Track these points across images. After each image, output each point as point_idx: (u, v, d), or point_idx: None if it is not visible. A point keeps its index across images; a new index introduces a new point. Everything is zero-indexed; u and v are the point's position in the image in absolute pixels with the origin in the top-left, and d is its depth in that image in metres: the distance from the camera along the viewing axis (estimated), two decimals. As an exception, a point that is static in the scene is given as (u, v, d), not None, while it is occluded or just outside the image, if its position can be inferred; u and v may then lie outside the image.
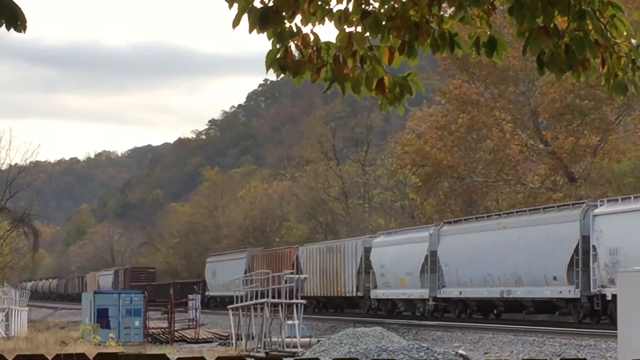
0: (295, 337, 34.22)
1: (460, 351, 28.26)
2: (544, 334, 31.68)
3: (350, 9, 6.84)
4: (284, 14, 6.76)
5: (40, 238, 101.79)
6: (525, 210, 40.37)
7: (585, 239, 34.55)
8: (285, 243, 79.74)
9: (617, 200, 35.10)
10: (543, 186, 53.77)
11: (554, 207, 38.70)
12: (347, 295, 52.41)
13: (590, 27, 6.79)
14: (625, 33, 6.96)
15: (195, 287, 69.04)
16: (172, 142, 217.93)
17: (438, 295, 43.63)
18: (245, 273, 64.49)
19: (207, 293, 74.88)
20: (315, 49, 6.96)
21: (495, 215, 42.55)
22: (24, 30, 6.67)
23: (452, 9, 6.91)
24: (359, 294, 50.88)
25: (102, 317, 43.09)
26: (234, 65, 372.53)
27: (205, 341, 42.72)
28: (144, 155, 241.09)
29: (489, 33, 7.06)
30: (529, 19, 6.71)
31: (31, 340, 41.51)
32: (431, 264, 43.92)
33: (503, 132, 53.88)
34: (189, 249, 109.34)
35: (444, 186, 57.22)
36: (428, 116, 59.47)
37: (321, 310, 56.53)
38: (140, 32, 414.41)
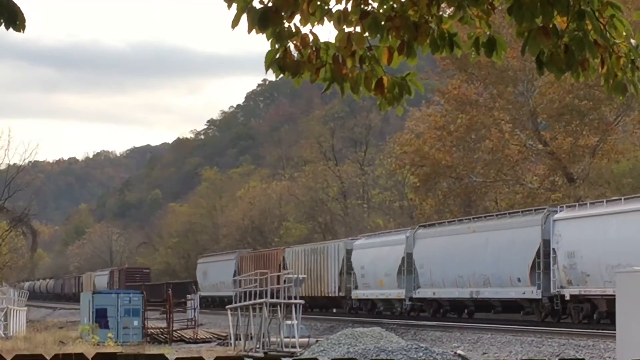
0: (293, 337, 34.24)
1: (459, 351, 28.27)
2: (543, 334, 31.70)
3: (349, 9, 6.83)
4: (283, 14, 6.76)
5: (39, 238, 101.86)
6: (493, 215, 42.81)
7: (546, 243, 36.52)
8: (285, 243, 79.86)
9: (575, 206, 37.25)
10: (542, 186, 53.79)
11: (518, 212, 40.83)
12: (330, 295, 54.40)
13: (590, 27, 6.78)
14: (624, 33, 6.96)
15: (193, 286, 69.49)
16: (170, 142, 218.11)
17: (414, 296, 45.69)
18: (234, 274, 67.36)
19: (198, 293, 75.23)
20: (314, 49, 6.95)
21: (466, 219, 44.64)
22: (23, 30, 6.66)
23: (451, 9, 6.90)
24: (341, 294, 52.96)
25: (100, 317, 43.09)
26: (233, 65, 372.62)
27: (204, 341, 42.72)
28: (142, 155, 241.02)
29: (488, 33, 7.05)
30: (528, 19, 6.70)
31: (30, 340, 41.49)
32: (407, 266, 45.96)
33: (502, 132, 53.89)
34: (187, 249, 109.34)
35: (443, 186, 57.24)
36: (427, 116, 59.47)
37: (306, 310, 57.28)
38: (140, 32, 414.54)
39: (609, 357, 25.75)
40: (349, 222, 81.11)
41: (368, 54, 7.04)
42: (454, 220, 45.91)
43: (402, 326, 40.73)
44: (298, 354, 31.06)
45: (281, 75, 7.07)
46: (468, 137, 54.85)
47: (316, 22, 6.85)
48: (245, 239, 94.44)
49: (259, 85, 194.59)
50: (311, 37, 6.92)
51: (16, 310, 51.94)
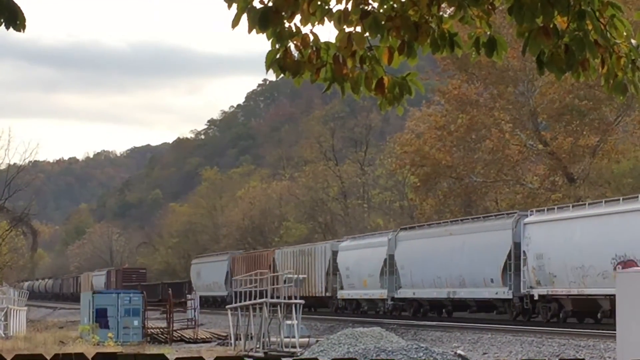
0: (294, 337, 34.23)
1: (459, 351, 28.26)
2: (543, 334, 31.70)
3: (350, 9, 6.83)
4: (283, 14, 6.75)
5: (39, 238, 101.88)
6: (469, 219, 44.52)
7: (517, 245, 38.33)
8: (285, 243, 79.94)
9: (543, 210, 38.67)
10: (542, 186, 53.77)
11: (492, 216, 42.96)
12: (317, 295, 55.93)
13: (590, 27, 6.78)
14: (625, 33, 6.95)
15: (187, 287, 70.20)
16: (171, 142, 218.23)
17: (395, 296, 47.44)
18: (227, 274, 70.63)
19: (197, 293, 75.77)
20: (314, 49, 6.95)
21: (444, 222, 46.48)
22: (24, 30, 6.65)
23: (452, 9, 6.90)
24: (327, 294, 54.81)
25: (100, 317, 43.08)
26: (233, 65, 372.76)
27: (204, 341, 42.72)
28: (142, 155, 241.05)
29: (488, 33, 7.05)
30: (528, 19, 6.70)
31: (30, 340, 41.49)
32: (389, 267, 47.70)
33: (502, 132, 53.87)
34: (187, 249, 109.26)
35: (443, 186, 57.22)
36: (427, 116, 59.40)
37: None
38: (140, 32, 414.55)
39: (609, 357, 25.74)
40: (349, 222, 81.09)
41: (368, 54, 7.03)
42: (433, 224, 47.81)
43: (403, 326, 40.75)
44: (298, 354, 31.05)
45: (281, 75, 7.07)
46: (468, 137, 54.83)
47: (316, 22, 6.85)
48: (246, 239, 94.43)
49: (259, 85, 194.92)
50: (311, 37, 6.91)
51: (16, 310, 51.94)
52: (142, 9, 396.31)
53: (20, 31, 6.63)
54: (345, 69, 7.01)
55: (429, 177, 55.99)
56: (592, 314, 35.18)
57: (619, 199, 35.47)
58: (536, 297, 37.14)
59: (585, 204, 37.03)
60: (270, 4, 6.71)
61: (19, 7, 6.59)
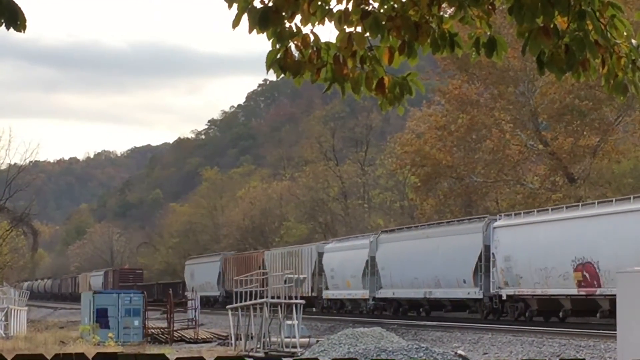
0: (294, 337, 34.22)
1: (460, 351, 28.26)
2: (543, 335, 31.70)
3: (350, 9, 6.83)
4: (283, 14, 6.76)
5: (40, 238, 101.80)
6: (444, 222, 46.74)
7: (487, 248, 40.29)
8: (285, 243, 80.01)
9: (511, 215, 40.73)
10: (542, 187, 53.77)
11: (465, 219, 44.70)
12: (304, 295, 56.37)
13: (590, 27, 6.78)
14: (625, 33, 6.95)
15: (180, 287, 71.00)
16: (171, 142, 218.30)
17: (376, 296, 49.56)
18: (219, 275, 73.10)
19: (186, 293, 76.31)
20: (315, 49, 6.95)
21: (421, 226, 48.64)
22: (24, 30, 6.65)
23: (452, 9, 6.90)
24: (313, 294, 56.30)
25: (101, 317, 43.09)
26: (234, 65, 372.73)
27: (205, 341, 42.72)
28: (143, 155, 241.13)
29: (488, 33, 7.05)
30: (528, 19, 6.70)
31: (30, 340, 41.49)
32: (371, 268, 49.70)
33: (502, 132, 53.86)
34: (188, 249, 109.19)
35: (444, 186, 57.21)
36: (428, 116, 59.39)
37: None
38: (140, 32, 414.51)
39: (610, 358, 25.74)
40: (350, 222, 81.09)
41: (369, 54, 7.04)
42: (411, 227, 50.20)
43: (403, 326, 40.77)
44: (299, 354, 31.04)
45: (282, 75, 7.07)
46: (469, 137, 54.82)
47: (317, 22, 6.85)
48: (246, 239, 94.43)
49: (259, 85, 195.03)
50: (312, 37, 6.91)
51: (17, 310, 51.94)
52: (142, 9, 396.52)
53: (20, 31, 6.63)
54: (346, 69, 7.01)
55: (430, 177, 55.99)
56: (555, 313, 37.49)
57: (578, 205, 37.67)
58: (504, 297, 39.17)
59: (548, 209, 38.89)
60: (271, 4, 6.71)
61: (19, 8, 6.59)
